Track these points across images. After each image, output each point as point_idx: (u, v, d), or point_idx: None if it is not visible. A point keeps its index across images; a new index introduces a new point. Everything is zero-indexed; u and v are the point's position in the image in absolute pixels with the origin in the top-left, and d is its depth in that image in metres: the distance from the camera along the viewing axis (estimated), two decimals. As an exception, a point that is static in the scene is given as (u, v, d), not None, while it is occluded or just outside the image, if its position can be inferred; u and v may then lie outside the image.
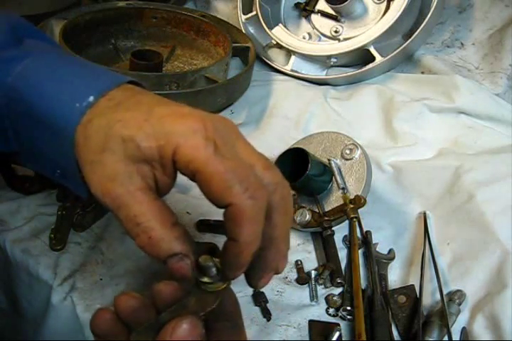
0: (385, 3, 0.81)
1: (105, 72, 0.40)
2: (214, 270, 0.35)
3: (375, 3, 0.82)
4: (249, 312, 0.55)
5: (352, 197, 0.60)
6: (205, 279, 0.35)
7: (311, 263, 0.62)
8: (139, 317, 0.36)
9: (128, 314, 0.36)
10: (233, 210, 0.33)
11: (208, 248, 0.37)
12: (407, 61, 0.84)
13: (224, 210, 0.33)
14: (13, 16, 0.48)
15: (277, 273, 0.37)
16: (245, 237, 0.33)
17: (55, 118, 0.36)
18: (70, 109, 0.36)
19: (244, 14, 0.92)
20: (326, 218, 0.61)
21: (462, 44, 0.81)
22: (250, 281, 0.37)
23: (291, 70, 0.86)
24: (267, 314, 0.55)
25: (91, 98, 0.36)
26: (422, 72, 0.82)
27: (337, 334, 0.52)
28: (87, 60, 0.50)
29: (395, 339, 0.53)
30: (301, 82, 0.85)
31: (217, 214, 0.67)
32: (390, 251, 0.62)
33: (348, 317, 0.55)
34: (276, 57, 0.91)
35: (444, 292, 0.55)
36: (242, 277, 0.60)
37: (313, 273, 0.59)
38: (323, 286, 0.59)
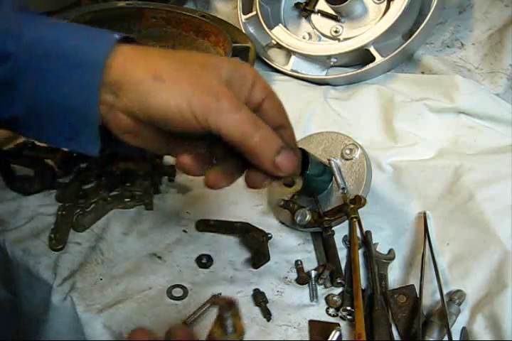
0: (385, 3, 0.81)
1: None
2: (230, 322, 0.35)
3: (375, 3, 0.82)
4: (249, 312, 0.55)
5: (352, 197, 0.60)
6: (219, 331, 0.36)
7: (311, 263, 0.62)
8: None
9: None
10: (277, 99, 0.44)
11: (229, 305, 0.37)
12: (407, 61, 0.84)
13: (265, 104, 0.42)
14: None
15: None
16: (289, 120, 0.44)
17: (84, 52, 0.38)
18: (100, 42, 0.38)
19: (244, 14, 0.92)
20: (326, 218, 0.61)
21: (462, 44, 0.81)
22: None
23: (291, 70, 0.86)
24: (267, 314, 0.55)
25: (116, 35, 0.39)
26: (422, 72, 0.82)
27: (337, 334, 0.52)
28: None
29: (395, 339, 0.53)
30: (301, 82, 0.85)
31: (217, 214, 0.67)
32: (390, 251, 0.62)
33: (348, 317, 0.55)
34: (276, 57, 0.91)
35: (444, 292, 0.55)
36: (241, 277, 0.61)
37: (313, 273, 0.59)
38: (323, 286, 0.59)
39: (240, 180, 0.73)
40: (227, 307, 0.35)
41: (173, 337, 0.38)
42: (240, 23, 0.92)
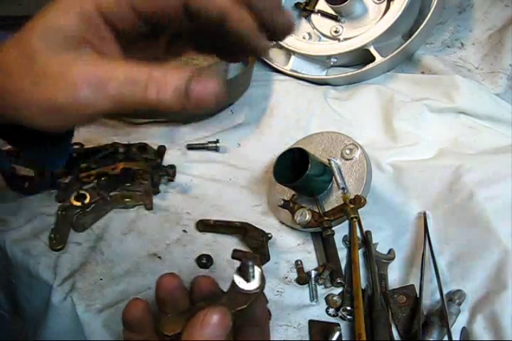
0: (385, 3, 0.81)
1: None
2: (252, 271, 0.37)
3: (375, 3, 0.82)
4: (249, 312, 0.55)
5: (352, 197, 0.60)
6: (241, 280, 0.37)
7: (311, 263, 0.62)
8: (176, 299, 0.39)
9: (168, 293, 0.39)
10: None
11: (250, 257, 0.39)
12: (407, 61, 0.84)
13: None
14: None
15: None
16: None
17: None
18: None
19: (244, 14, 0.92)
20: (326, 218, 0.61)
21: (462, 44, 0.81)
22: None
23: (291, 70, 0.86)
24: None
25: None
26: (422, 72, 0.82)
27: (337, 334, 0.52)
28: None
29: (395, 339, 0.53)
30: (301, 82, 0.85)
31: (217, 214, 0.67)
32: (390, 251, 0.62)
33: (348, 317, 0.55)
34: (276, 57, 0.91)
35: (444, 292, 0.55)
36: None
37: (313, 273, 0.59)
38: (323, 286, 0.59)
39: (240, 181, 0.73)
40: (250, 257, 0.37)
41: (197, 284, 0.40)
42: (240, 23, 0.92)
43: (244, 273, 0.37)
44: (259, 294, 0.37)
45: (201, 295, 0.40)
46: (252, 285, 0.37)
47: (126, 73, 0.30)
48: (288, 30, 0.36)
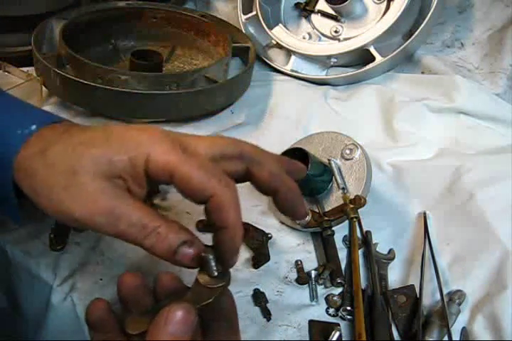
0: (385, 3, 0.81)
1: (40, 110, 0.42)
2: (214, 265, 0.36)
3: (375, 3, 0.82)
4: (249, 312, 0.55)
5: (352, 197, 0.60)
6: (205, 275, 0.36)
7: (311, 263, 0.62)
8: (139, 298, 0.39)
9: (129, 291, 0.39)
10: (217, 200, 0.36)
11: (208, 250, 0.38)
12: (407, 61, 0.84)
13: (206, 204, 0.37)
14: None
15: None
16: (234, 221, 0.36)
17: None
18: (11, 135, 0.37)
19: (244, 14, 0.92)
20: (326, 218, 0.61)
21: (462, 44, 0.81)
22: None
23: (291, 70, 0.86)
24: (267, 314, 0.55)
25: (33, 126, 0.38)
26: (422, 72, 0.82)
27: (337, 334, 0.52)
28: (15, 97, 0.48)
29: (395, 339, 0.53)
30: (301, 82, 0.85)
31: (217, 214, 0.67)
32: (390, 251, 0.62)
33: (348, 317, 0.55)
34: (276, 57, 0.91)
35: (444, 292, 0.55)
36: (241, 277, 0.61)
37: (313, 273, 0.59)
38: (323, 286, 0.59)
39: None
40: (210, 250, 0.36)
41: (160, 281, 0.40)
42: (240, 23, 0.93)
43: (205, 267, 0.36)
44: (224, 288, 0.36)
45: (165, 292, 0.40)
46: (217, 280, 0.36)
47: (139, 218, 0.35)
48: (303, 217, 0.45)
